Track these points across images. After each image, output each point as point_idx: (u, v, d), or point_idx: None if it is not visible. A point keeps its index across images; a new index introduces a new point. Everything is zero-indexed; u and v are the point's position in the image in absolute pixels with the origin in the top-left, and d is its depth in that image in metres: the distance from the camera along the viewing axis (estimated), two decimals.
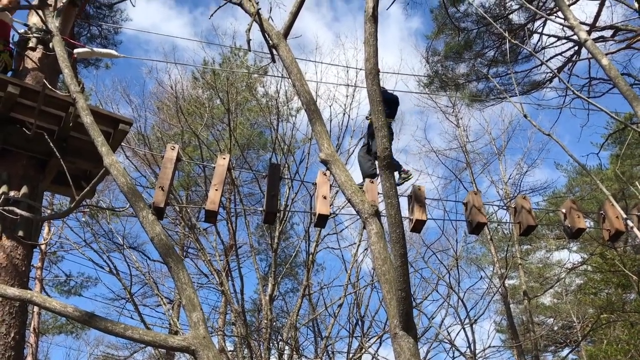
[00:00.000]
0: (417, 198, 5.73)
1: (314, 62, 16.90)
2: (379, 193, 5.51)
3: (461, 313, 16.57)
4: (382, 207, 4.44)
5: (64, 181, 5.51)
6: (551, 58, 13.13)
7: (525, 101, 13.80)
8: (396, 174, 7.34)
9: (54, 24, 5.01)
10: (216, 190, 5.24)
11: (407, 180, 7.74)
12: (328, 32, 39.93)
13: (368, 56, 3.86)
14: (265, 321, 14.53)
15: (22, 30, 6.19)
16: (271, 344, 14.83)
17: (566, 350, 23.80)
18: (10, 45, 6.14)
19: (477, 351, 16.38)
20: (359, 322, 16.21)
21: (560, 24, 8.42)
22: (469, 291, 17.84)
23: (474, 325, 16.48)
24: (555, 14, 11.73)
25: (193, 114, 17.07)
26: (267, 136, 19.11)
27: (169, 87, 17.15)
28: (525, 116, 4.57)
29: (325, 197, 5.41)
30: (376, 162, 7.56)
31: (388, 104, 7.44)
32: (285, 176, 14.96)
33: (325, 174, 5.55)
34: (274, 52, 5.19)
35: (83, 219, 16.31)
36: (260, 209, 5.66)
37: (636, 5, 11.33)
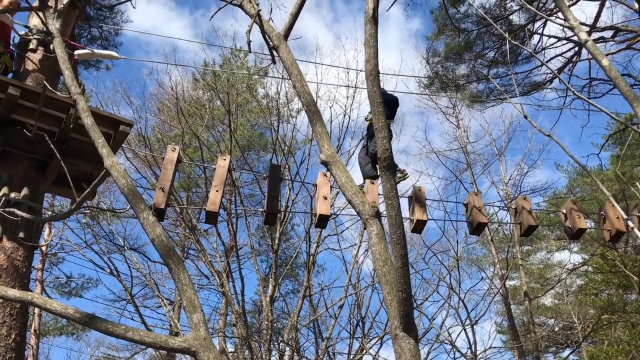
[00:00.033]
0: (417, 199, 5.73)
1: (315, 64, 16.92)
2: (379, 194, 5.51)
3: (462, 314, 16.57)
4: (382, 208, 4.44)
5: (65, 183, 5.51)
6: (551, 59, 13.16)
7: (525, 102, 13.83)
8: None
9: (54, 25, 5.02)
10: (217, 191, 5.24)
11: (403, 180, 7.73)
12: (328, 33, 39.95)
13: (368, 57, 3.86)
14: (266, 322, 14.53)
15: (22, 32, 6.20)
16: (272, 345, 14.82)
17: (567, 351, 23.78)
18: (11, 47, 6.15)
19: (478, 352, 16.37)
20: (360, 323, 16.20)
21: (561, 24, 8.43)
22: (469, 292, 17.82)
23: (474, 326, 16.47)
24: (555, 15, 11.73)
25: (193, 115, 17.08)
26: (268, 137, 19.15)
27: (169, 89, 17.17)
28: (525, 117, 4.57)
29: (325, 198, 5.41)
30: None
31: (387, 105, 7.43)
32: (286, 177, 14.96)
33: (325, 175, 5.56)
34: (275, 53, 5.19)
35: (84, 221, 16.33)
36: (261, 210, 5.66)
37: (636, 5, 11.33)
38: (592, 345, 21.45)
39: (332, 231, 16.80)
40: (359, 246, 16.45)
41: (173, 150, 5.31)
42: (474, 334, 16.27)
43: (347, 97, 17.25)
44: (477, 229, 5.95)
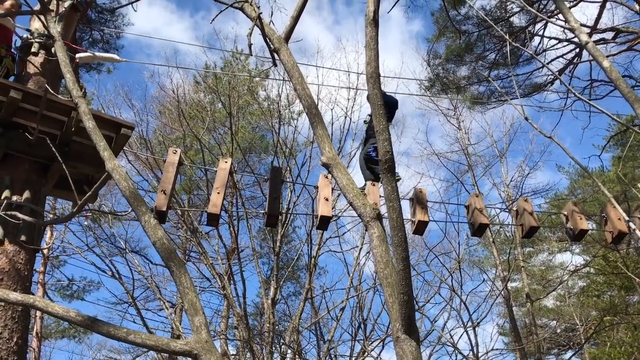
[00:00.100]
0: (418, 200, 5.73)
1: (316, 66, 16.95)
2: (380, 196, 5.51)
3: (464, 316, 16.56)
4: (383, 210, 4.44)
5: (66, 185, 5.52)
6: (552, 60, 13.15)
7: (526, 104, 13.82)
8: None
9: (55, 29, 5.03)
10: (218, 193, 5.24)
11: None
12: (329, 35, 40.01)
13: (369, 60, 3.87)
14: (268, 325, 14.52)
15: (24, 36, 6.21)
16: (274, 348, 14.82)
17: (569, 353, 23.73)
18: (13, 51, 6.17)
19: (480, 354, 16.35)
20: (362, 326, 16.19)
21: (561, 26, 8.43)
22: (471, 294, 17.81)
23: (476, 328, 16.48)
24: (556, 17, 11.73)
25: (195, 118, 17.11)
26: (269, 139, 19.15)
27: (170, 91, 17.20)
28: (526, 119, 4.58)
29: (327, 199, 5.41)
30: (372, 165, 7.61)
31: (386, 106, 7.45)
32: (287, 179, 14.97)
33: (327, 177, 5.56)
34: (276, 56, 5.19)
35: (85, 223, 16.35)
36: (262, 212, 5.67)
37: (637, 7, 11.34)
38: (595, 347, 21.43)
39: (334, 233, 16.83)
40: (361, 248, 16.47)
41: (174, 153, 5.32)
42: (475, 336, 16.27)
43: (348, 100, 17.27)
44: (478, 230, 5.95)
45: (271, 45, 5.18)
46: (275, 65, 5.43)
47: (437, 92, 16.06)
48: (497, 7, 13.08)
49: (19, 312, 4.86)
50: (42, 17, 5.33)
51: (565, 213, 6.27)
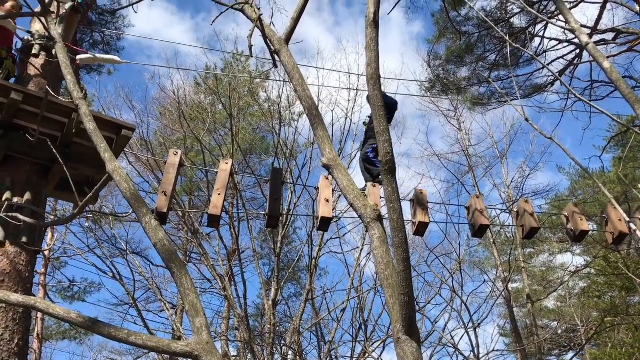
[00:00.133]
0: (419, 201, 5.73)
1: (316, 68, 16.95)
2: (381, 197, 5.51)
3: (465, 317, 16.54)
4: (384, 211, 4.44)
5: (67, 187, 5.53)
6: (553, 61, 13.16)
7: (527, 104, 13.84)
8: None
9: (56, 30, 5.03)
10: (219, 195, 5.24)
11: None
12: (330, 36, 40.04)
13: (369, 61, 3.87)
14: (269, 326, 14.52)
15: (25, 37, 6.22)
16: (274, 349, 14.81)
17: (570, 354, 23.73)
18: (14, 52, 6.17)
19: (480, 355, 16.34)
20: (362, 327, 16.19)
21: (562, 27, 8.43)
22: (472, 295, 17.79)
23: (477, 329, 16.46)
24: (556, 18, 11.73)
25: (195, 119, 17.11)
26: (270, 141, 19.15)
27: (171, 93, 17.20)
28: (527, 120, 4.59)
29: (327, 200, 5.41)
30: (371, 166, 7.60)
31: (386, 108, 7.46)
32: (288, 180, 14.97)
33: (327, 178, 5.56)
34: (276, 57, 5.20)
35: (86, 225, 16.34)
36: (263, 213, 5.67)
37: (637, 7, 11.34)
38: (596, 348, 21.40)
39: (334, 234, 16.82)
40: (361, 249, 16.47)
41: (175, 154, 5.32)
42: (476, 337, 16.26)
43: (349, 101, 17.27)
44: (479, 231, 5.95)
45: (272, 47, 5.19)
46: (275, 66, 5.44)
47: (437, 93, 16.07)
48: (497, 8, 13.09)
49: (20, 314, 4.86)
50: (42, 19, 5.34)
51: (566, 214, 6.27)
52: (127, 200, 3.89)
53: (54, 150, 4.49)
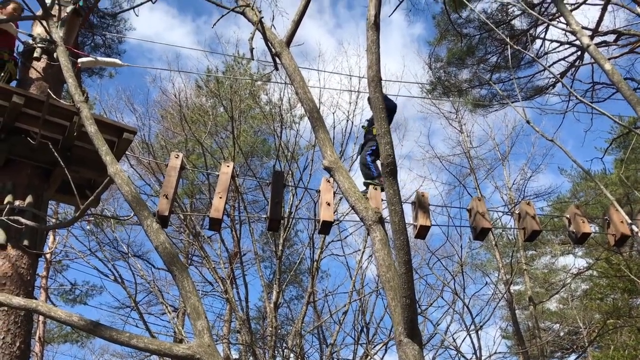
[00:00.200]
0: (420, 204, 5.72)
1: (317, 70, 16.97)
2: (382, 200, 5.51)
3: (466, 319, 16.52)
4: (386, 213, 4.44)
5: (69, 190, 5.54)
6: (554, 63, 13.14)
7: (528, 106, 13.82)
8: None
9: (58, 34, 5.04)
10: (220, 198, 5.24)
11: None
12: (331, 39, 40.08)
13: (370, 64, 3.87)
14: (270, 329, 14.51)
15: (26, 41, 6.23)
16: (276, 352, 14.80)
17: (573, 356, 23.69)
18: (15, 56, 6.19)
19: (483, 358, 16.31)
20: (364, 329, 16.17)
21: (563, 29, 8.43)
22: (474, 297, 17.75)
23: (479, 332, 16.41)
24: (557, 20, 11.73)
25: (197, 122, 17.13)
26: (271, 143, 19.16)
27: (172, 96, 17.24)
28: (528, 122, 4.58)
29: (329, 204, 5.40)
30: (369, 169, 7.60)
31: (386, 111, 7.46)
32: (289, 183, 14.97)
33: (329, 181, 5.55)
34: (277, 60, 5.20)
35: (88, 228, 16.36)
36: (265, 216, 5.65)
37: (639, 9, 11.34)
38: (598, 350, 21.35)
39: (336, 237, 16.81)
40: (363, 252, 16.46)
41: (176, 157, 5.32)
42: (478, 339, 16.22)
43: (350, 103, 17.28)
44: (480, 234, 5.94)
45: (273, 49, 5.19)
46: (276, 69, 5.44)
47: (438, 95, 16.07)
48: (498, 10, 13.08)
49: (22, 317, 4.86)
50: (44, 22, 5.35)
51: (568, 216, 6.26)
52: (129, 203, 3.89)
53: (56, 153, 4.49)
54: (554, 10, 12.01)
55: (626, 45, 12.09)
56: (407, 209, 5.09)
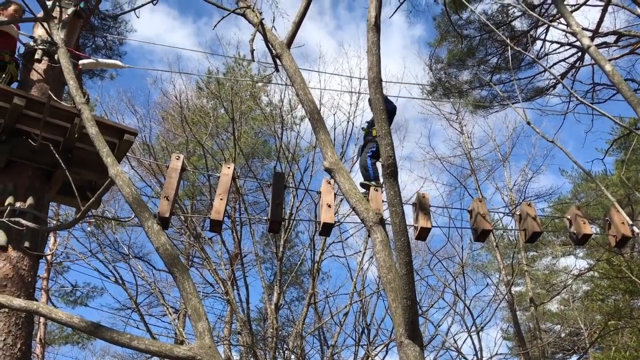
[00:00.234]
0: (421, 206, 5.73)
1: (318, 72, 16.98)
2: (383, 201, 5.52)
3: (467, 321, 16.53)
4: (386, 215, 4.44)
5: (70, 192, 5.53)
6: (554, 64, 13.15)
7: (529, 107, 13.81)
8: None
9: (59, 35, 5.05)
10: (221, 199, 5.25)
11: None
12: (331, 40, 40.08)
13: (371, 65, 3.87)
14: (271, 330, 14.50)
15: (27, 43, 6.23)
16: (277, 353, 14.80)
17: (574, 358, 23.66)
18: (16, 57, 6.19)
19: (484, 359, 16.31)
20: (365, 331, 16.17)
21: (563, 30, 8.44)
22: (475, 298, 17.78)
23: (480, 333, 16.43)
24: (557, 21, 11.73)
25: (198, 124, 17.14)
26: (272, 145, 19.19)
27: (173, 97, 17.25)
28: (528, 123, 4.58)
29: (329, 206, 5.41)
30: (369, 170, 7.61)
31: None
32: (290, 185, 14.98)
33: (329, 183, 5.56)
34: (278, 61, 5.21)
35: (89, 229, 16.37)
36: (265, 217, 5.66)
37: (639, 10, 11.34)
38: (599, 352, 21.32)
39: (337, 238, 16.82)
40: (364, 253, 16.45)
41: (177, 159, 5.33)
42: (479, 340, 16.23)
43: (351, 104, 17.30)
44: (481, 235, 5.95)
45: (273, 51, 5.19)
46: (277, 70, 5.45)
47: (439, 96, 16.07)
48: (498, 11, 13.08)
49: (23, 318, 4.86)
50: (45, 24, 5.36)
51: (569, 217, 6.26)
52: (130, 205, 3.89)
53: (57, 155, 4.49)
54: (555, 11, 12.02)
55: (627, 46, 12.09)
56: (408, 210, 5.10)
